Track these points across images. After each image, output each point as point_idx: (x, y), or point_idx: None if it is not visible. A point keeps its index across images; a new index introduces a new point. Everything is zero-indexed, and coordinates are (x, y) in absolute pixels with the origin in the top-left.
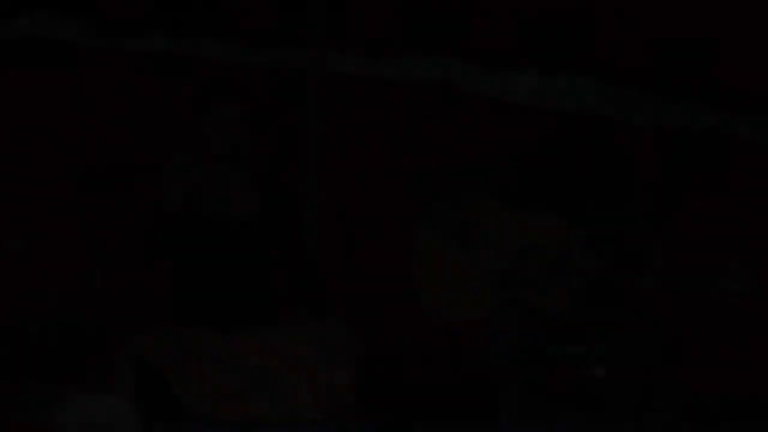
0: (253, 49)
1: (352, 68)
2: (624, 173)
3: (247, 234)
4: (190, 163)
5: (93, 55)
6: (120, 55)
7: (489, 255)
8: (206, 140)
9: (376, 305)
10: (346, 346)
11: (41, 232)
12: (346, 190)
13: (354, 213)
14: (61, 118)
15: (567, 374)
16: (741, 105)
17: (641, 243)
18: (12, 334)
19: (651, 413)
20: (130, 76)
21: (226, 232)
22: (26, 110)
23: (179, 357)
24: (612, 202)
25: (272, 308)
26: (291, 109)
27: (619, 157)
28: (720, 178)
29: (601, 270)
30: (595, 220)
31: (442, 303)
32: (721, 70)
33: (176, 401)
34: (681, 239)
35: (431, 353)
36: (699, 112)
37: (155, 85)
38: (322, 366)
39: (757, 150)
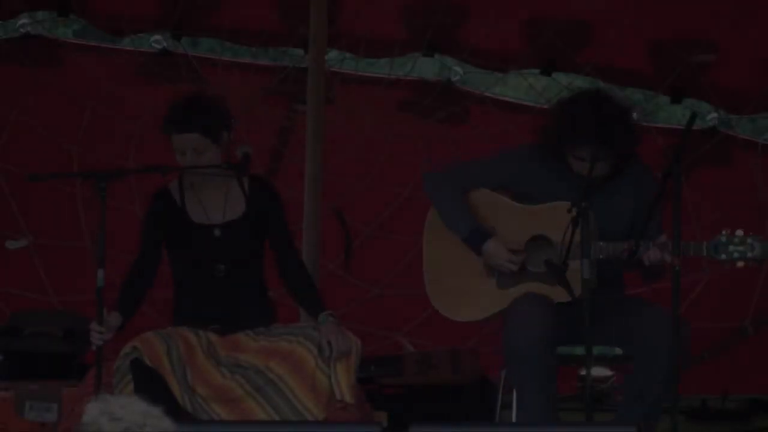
0: (253, 49)
1: (352, 68)
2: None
3: (229, 238)
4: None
5: (92, 55)
6: (119, 55)
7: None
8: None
9: (375, 304)
10: (346, 346)
11: (42, 231)
12: (345, 190)
13: (354, 212)
14: (59, 116)
15: (568, 374)
16: (739, 105)
17: (640, 237)
18: (12, 333)
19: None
20: (129, 75)
21: (207, 239)
22: (26, 108)
23: (179, 357)
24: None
25: (272, 308)
26: (290, 109)
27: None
28: (716, 174)
29: (606, 260)
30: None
31: (450, 304)
32: (719, 72)
33: (176, 401)
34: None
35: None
36: (699, 112)
37: (155, 85)
38: (322, 366)
39: (754, 148)
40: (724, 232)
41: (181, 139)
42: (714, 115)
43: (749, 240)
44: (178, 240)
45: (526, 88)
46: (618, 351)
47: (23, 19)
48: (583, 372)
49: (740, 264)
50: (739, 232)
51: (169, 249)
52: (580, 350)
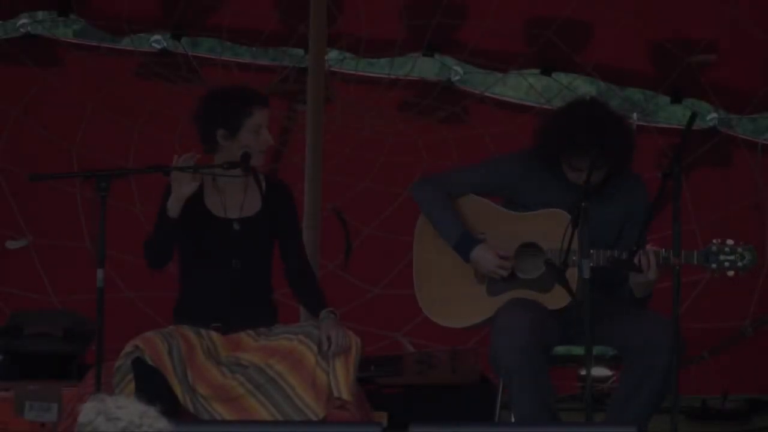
0: (253, 49)
1: (352, 68)
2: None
3: (246, 233)
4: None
5: (92, 55)
6: (119, 55)
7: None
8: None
9: (375, 304)
10: (345, 343)
11: (42, 231)
12: (345, 190)
13: (354, 212)
14: (59, 116)
15: (568, 374)
16: (739, 105)
17: (639, 240)
18: (12, 334)
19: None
20: (129, 75)
21: (225, 232)
22: (26, 108)
23: (180, 357)
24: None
25: (272, 308)
26: (290, 109)
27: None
28: (716, 174)
29: (602, 264)
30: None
31: (440, 310)
32: (719, 72)
33: (177, 401)
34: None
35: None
36: (699, 112)
37: (154, 85)
38: (323, 364)
39: (754, 148)
40: (714, 242)
41: (263, 114)
42: (714, 115)
43: (740, 249)
44: (194, 229)
45: (526, 88)
46: (615, 352)
47: (23, 19)
48: (583, 372)
49: (730, 273)
50: (730, 242)
51: (182, 238)
52: (578, 350)
